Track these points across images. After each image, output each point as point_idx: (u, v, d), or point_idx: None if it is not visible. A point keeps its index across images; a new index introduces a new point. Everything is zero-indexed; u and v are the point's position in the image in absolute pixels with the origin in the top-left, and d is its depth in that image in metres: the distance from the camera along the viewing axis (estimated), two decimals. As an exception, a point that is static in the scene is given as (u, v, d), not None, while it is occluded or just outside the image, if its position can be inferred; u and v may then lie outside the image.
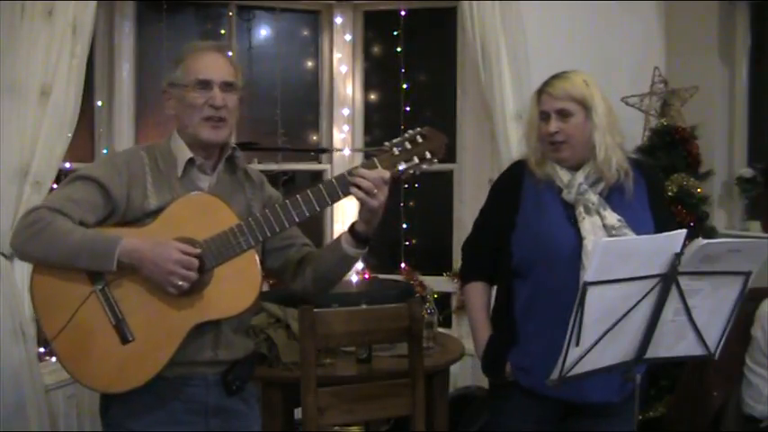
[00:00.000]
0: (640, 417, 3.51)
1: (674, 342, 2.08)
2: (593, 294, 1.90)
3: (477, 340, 2.51)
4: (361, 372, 3.11)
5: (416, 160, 2.05)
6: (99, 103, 4.05)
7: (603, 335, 1.96)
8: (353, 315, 2.88)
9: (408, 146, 2.06)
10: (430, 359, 3.16)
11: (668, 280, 1.97)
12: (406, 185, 4.54)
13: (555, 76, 2.40)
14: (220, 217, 2.05)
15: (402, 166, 2.05)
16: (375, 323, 2.81)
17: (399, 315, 2.80)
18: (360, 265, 4.49)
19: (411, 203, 4.57)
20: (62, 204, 2.02)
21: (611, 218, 2.30)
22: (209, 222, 2.04)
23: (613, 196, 2.35)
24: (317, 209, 2.05)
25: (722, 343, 2.12)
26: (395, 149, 2.05)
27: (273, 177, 4.21)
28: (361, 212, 2.08)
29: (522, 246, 2.37)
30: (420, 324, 2.84)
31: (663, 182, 2.47)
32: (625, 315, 1.96)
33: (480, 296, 2.51)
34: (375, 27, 4.62)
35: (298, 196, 2.04)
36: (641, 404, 3.31)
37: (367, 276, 4.33)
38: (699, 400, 3.15)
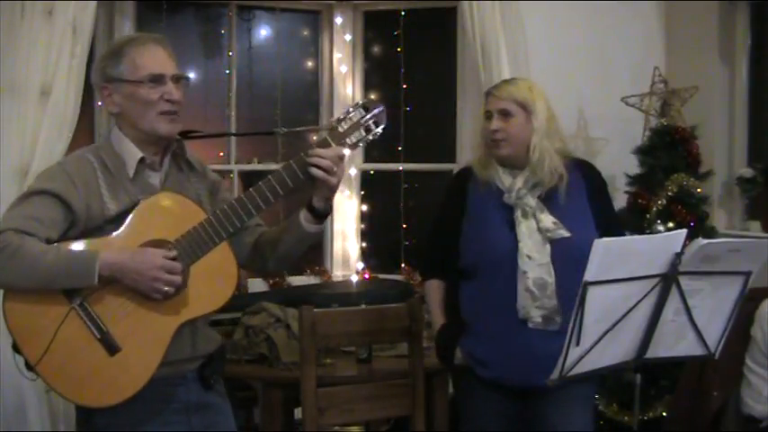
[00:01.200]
0: (640, 417, 3.51)
1: (675, 342, 2.09)
2: (593, 294, 1.90)
3: (433, 329, 2.65)
4: (361, 372, 3.11)
5: (363, 133, 2.09)
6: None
7: (604, 335, 1.96)
8: (353, 315, 2.88)
9: (353, 119, 2.10)
10: (430, 359, 3.16)
11: (668, 280, 1.97)
12: (406, 185, 4.55)
13: (503, 81, 2.61)
14: (187, 214, 2.04)
15: (352, 140, 2.09)
16: (375, 323, 2.82)
17: (399, 315, 2.80)
18: (360, 265, 4.50)
19: (411, 203, 4.57)
20: (26, 224, 1.94)
21: (547, 221, 2.40)
22: (176, 221, 2.02)
23: (553, 199, 2.46)
24: (281, 193, 2.05)
25: (722, 343, 2.12)
26: (341, 125, 2.09)
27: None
28: (321, 191, 2.09)
29: (466, 249, 2.49)
30: (420, 324, 2.84)
31: (602, 180, 2.63)
32: (625, 315, 1.96)
33: (436, 292, 2.64)
34: (375, 27, 4.61)
35: (261, 183, 2.04)
36: (641, 404, 3.32)
37: (367, 276, 4.33)
38: (699, 400, 3.15)
